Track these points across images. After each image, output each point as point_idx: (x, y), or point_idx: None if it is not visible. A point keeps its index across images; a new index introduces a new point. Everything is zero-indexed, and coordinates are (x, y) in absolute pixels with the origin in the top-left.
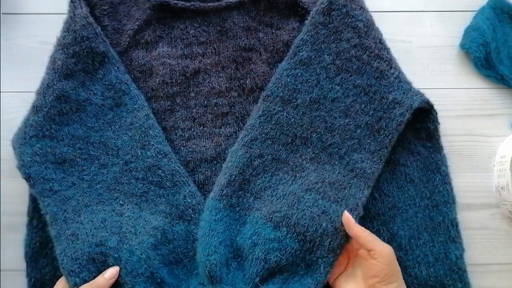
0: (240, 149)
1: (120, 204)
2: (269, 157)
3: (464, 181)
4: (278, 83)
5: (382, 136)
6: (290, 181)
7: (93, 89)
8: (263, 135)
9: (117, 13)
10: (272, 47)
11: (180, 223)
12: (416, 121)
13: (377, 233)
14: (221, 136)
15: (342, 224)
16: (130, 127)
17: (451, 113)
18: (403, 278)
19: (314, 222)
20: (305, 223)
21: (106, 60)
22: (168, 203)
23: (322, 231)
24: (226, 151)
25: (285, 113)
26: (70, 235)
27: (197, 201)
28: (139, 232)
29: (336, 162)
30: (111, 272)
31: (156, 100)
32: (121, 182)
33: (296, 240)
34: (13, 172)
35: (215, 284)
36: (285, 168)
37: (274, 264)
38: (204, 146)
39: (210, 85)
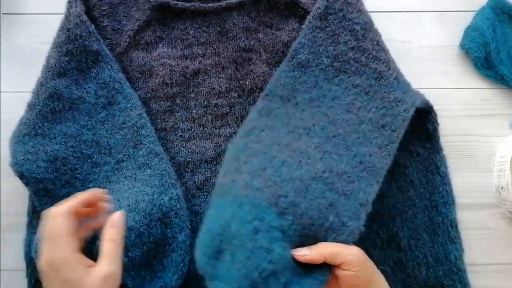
0: (238, 140)
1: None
2: (268, 142)
3: (464, 181)
4: (277, 83)
5: (389, 131)
6: (295, 165)
7: (86, 87)
8: (261, 126)
9: (117, 14)
10: (272, 48)
11: (158, 226)
12: (415, 121)
13: (376, 234)
14: (221, 137)
15: (350, 219)
16: (123, 126)
17: (451, 113)
18: (402, 279)
19: (321, 215)
20: (312, 214)
21: (99, 58)
22: (151, 202)
23: (328, 225)
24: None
25: (284, 109)
26: None
27: (181, 207)
28: None
29: (344, 153)
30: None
31: (156, 100)
32: (112, 181)
33: (298, 234)
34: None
35: (212, 280)
36: (288, 152)
37: (277, 256)
38: (204, 146)
39: (210, 85)
